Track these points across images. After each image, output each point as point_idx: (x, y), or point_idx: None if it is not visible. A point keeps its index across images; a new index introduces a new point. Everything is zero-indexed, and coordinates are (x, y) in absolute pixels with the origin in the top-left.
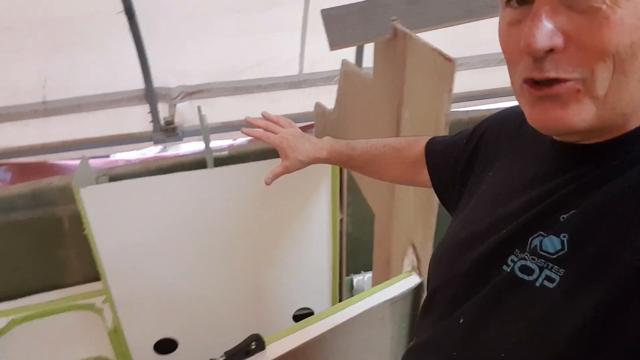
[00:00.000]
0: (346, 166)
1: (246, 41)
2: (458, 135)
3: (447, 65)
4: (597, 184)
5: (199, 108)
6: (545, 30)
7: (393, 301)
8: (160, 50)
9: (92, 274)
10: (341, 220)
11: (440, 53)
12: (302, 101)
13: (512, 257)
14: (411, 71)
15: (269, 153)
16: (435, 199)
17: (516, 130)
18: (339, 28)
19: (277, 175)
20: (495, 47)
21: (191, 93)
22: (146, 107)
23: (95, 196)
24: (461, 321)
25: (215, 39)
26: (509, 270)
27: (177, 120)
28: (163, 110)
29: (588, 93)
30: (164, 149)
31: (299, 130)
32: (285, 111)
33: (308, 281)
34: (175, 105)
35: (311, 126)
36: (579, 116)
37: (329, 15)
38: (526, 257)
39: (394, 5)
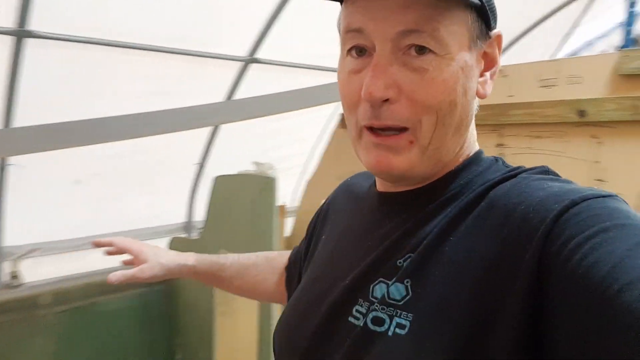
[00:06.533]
0: (215, 280)
1: None
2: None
3: None
4: (420, 227)
5: None
6: (383, 82)
7: None
8: None
9: None
10: None
11: None
12: None
13: (357, 307)
14: None
15: None
16: None
17: (352, 190)
18: None
19: (126, 277)
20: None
21: None
22: None
23: None
24: None
25: None
26: (361, 324)
27: None
28: None
29: (417, 143)
30: None
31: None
32: None
33: None
34: None
35: None
36: (408, 163)
37: None
38: (376, 307)
39: None
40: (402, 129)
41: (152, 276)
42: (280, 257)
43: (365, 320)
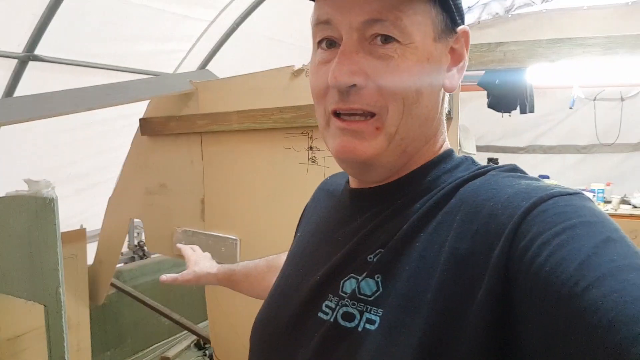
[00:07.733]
0: (230, 283)
1: None
2: None
3: None
4: (389, 222)
5: None
6: (349, 69)
7: None
8: None
9: None
10: None
11: None
12: None
13: (327, 302)
14: None
15: None
16: None
17: (328, 188)
18: None
19: (172, 279)
20: None
21: None
22: None
23: None
24: None
25: None
26: (331, 319)
27: None
28: None
29: (384, 131)
30: None
31: (209, 256)
32: None
33: None
34: None
35: None
36: (374, 150)
37: None
38: (347, 302)
39: None
40: (369, 115)
41: (186, 281)
42: (278, 257)
43: (335, 315)
